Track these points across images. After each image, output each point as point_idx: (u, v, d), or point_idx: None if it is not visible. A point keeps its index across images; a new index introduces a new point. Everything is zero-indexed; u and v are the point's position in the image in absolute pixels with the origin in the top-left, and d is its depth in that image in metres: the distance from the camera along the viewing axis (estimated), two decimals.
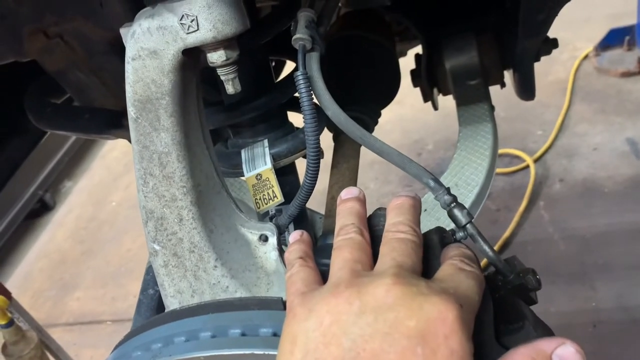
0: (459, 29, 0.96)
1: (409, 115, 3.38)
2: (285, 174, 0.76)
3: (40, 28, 0.85)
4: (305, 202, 0.59)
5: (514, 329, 0.49)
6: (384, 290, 0.39)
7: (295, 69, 0.56)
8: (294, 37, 0.55)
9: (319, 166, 0.56)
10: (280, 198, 0.67)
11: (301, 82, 0.52)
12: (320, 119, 0.63)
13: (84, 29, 0.85)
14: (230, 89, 0.53)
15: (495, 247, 2.49)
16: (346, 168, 0.82)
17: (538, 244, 2.50)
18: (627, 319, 2.08)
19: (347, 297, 0.40)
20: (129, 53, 0.51)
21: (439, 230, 0.54)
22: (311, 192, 0.58)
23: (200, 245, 0.57)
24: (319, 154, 0.55)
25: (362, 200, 0.53)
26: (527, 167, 2.85)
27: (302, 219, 0.81)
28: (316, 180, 0.57)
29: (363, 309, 0.39)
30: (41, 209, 3.63)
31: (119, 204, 3.58)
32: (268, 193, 0.67)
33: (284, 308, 0.49)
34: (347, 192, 0.54)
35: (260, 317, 0.48)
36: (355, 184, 0.83)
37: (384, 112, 1.01)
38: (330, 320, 0.39)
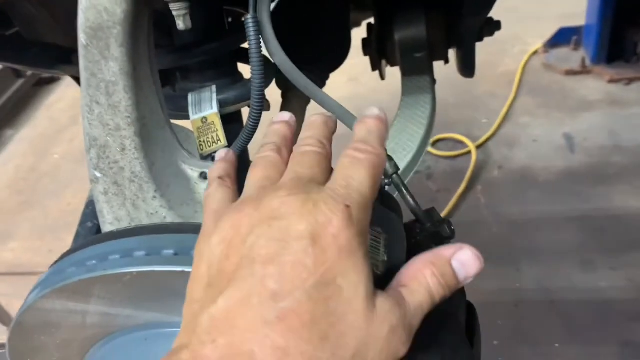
0: (411, 3, 1.00)
1: (364, 93, 3.43)
2: (231, 122, 0.79)
3: None
4: (246, 145, 0.62)
5: None
6: (279, 202, 0.41)
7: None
8: None
9: (262, 110, 0.59)
10: (223, 142, 0.70)
11: (250, 26, 0.55)
12: (269, 71, 0.66)
13: None
14: (181, 25, 0.55)
15: None
16: (293, 111, 0.85)
17: (472, 225, 2.62)
18: (546, 300, 2.23)
19: (247, 212, 0.42)
20: None
21: None
22: (252, 136, 0.61)
23: (141, 175, 0.59)
24: (263, 97, 0.58)
25: (290, 124, 0.54)
26: (470, 152, 2.96)
27: (246, 167, 0.84)
28: (258, 123, 0.60)
29: (260, 220, 0.40)
30: None
31: (62, 156, 3.49)
32: (212, 136, 0.69)
33: None
34: (278, 117, 0.55)
35: (193, 240, 0.50)
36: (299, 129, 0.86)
37: (340, 88, 1.04)
38: (232, 233, 0.41)
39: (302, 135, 0.51)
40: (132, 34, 0.54)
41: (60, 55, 0.84)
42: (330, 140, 0.51)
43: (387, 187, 0.58)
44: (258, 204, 0.42)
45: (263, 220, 0.40)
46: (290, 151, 0.51)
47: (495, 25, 1.02)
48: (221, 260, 0.40)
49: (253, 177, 0.48)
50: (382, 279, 0.48)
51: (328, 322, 0.37)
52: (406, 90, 0.96)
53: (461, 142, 3.07)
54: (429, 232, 0.59)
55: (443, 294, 0.44)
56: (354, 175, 0.43)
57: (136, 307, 0.52)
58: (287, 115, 0.55)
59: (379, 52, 1.04)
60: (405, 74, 0.99)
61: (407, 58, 0.99)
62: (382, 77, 1.09)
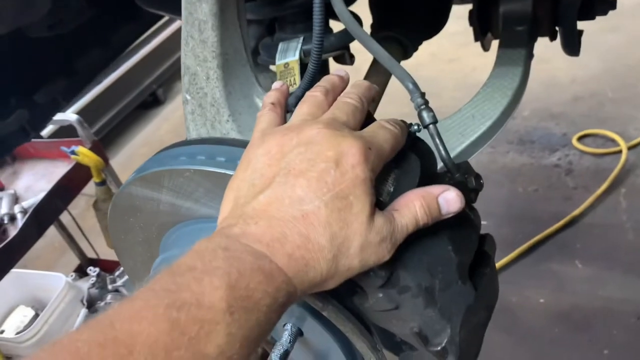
0: None
1: None
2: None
3: None
4: (308, 87, 0.71)
5: None
6: (316, 131, 0.53)
7: None
8: None
9: (321, 54, 0.67)
10: (299, 84, 0.80)
11: None
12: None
13: None
14: None
15: (561, 223, 2.47)
16: (376, 79, 0.92)
17: (606, 228, 2.45)
18: None
19: (291, 136, 0.54)
20: None
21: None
22: (314, 78, 0.70)
23: (220, 101, 0.71)
24: (322, 45, 0.66)
25: (343, 79, 0.65)
26: (620, 152, 2.74)
27: None
28: (318, 67, 0.69)
29: (299, 143, 0.53)
30: (153, 102, 4.01)
31: None
32: (290, 80, 0.80)
33: None
34: (336, 71, 0.66)
35: (241, 152, 0.62)
36: (380, 97, 0.93)
37: None
38: (276, 150, 0.53)
39: (347, 90, 0.63)
40: None
41: None
42: (369, 102, 0.63)
43: (417, 132, 0.64)
44: (300, 131, 0.54)
45: (301, 143, 0.52)
46: (335, 98, 0.62)
47: (610, 4, 0.99)
48: (264, 167, 0.53)
49: (300, 110, 0.60)
50: (383, 205, 0.56)
51: (338, 226, 0.49)
52: (499, 62, 0.98)
53: (612, 140, 2.85)
54: (455, 181, 0.64)
55: (427, 221, 0.55)
56: (380, 133, 0.55)
57: (195, 200, 0.65)
58: (343, 72, 0.67)
59: (481, 24, 1.06)
60: (502, 45, 1.00)
61: (507, 30, 1.00)
62: (485, 49, 1.11)
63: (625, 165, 2.70)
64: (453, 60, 3.55)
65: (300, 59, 0.82)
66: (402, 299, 0.56)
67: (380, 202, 0.56)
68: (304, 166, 0.51)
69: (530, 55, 0.99)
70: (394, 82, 0.88)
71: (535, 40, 1.03)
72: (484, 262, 0.64)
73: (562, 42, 1.01)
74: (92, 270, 2.40)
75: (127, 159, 3.62)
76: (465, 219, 0.62)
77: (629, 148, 2.77)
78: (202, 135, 0.73)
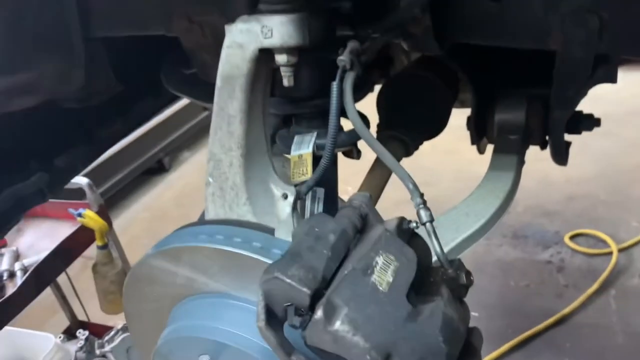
0: (515, 91, 1.12)
1: None
2: None
3: (187, 15, 1.13)
4: (319, 178, 0.79)
5: (428, 300, 0.66)
6: None
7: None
8: (338, 58, 0.76)
9: (333, 151, 0.76)
10: (310, 175, 0.88)
11: (334, 90, 0.73)
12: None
13: (217, 22, 1.11)
14: (286, 82, 0.76)
15: (551, 321, 2.50)
16: (380, 175, 1.01)
17: (596, 329, 2.47)
18: None
19: None
20: (225, 43, 0.76)
21: (401, 218, 0.72)
22: (325, 171, 0.78)
23: (239, 186, 0.79)
24: (335, 144, 0.75)
25: None
26: (610, 253, 2.81)
27: (333, 205, 1.01)
28: (330, 163, 0.77)
29: None
30: (158, 169, 4.11)
31: None
32: (302, 170, 0.88)
33: (273, 234, 0.70)
34: None
35: (256, 235, 0.69)
36: (381, 191, 1.02)
37: None
38: None
39: None
40: (252, 84, 0.76)
41: None
42: None
43: (415, 229, 0.71)
44: None
45: None
46: None
47: (595, 122, 1.09)
48: None
49: None
50: (381, 294, 0.62)
51: None
52: (492, 166, 1.07)
53: (603, 241, 2.92)
54: (448, 276, 0.71)
55: None
56: None
57: (209, 276, 0.71)
58: None
59: (477, 129, 1.16)
60: (496, 151, 1.10)
61: (501, 138, 1.10)
62: (480, 151, 1.20)
63: (615, 267, 2.75)
64: (452, 152, 3.69)
65: (313, 152, 0.91)
66: None
67: (379, 291, 0.62)
68: None
69: (521, 162, 1.08)
70: None
71: (527, 148, 1.13)
72: (470, 354, 0.70)
73: (551, 151, 1.11)
74: (82, 333, 2.39)
75: (128, 222, 3.67)
76: (456, 312, 0.67)
77: (620, 250, 2.84)
78: (220, 216, 0.80)
